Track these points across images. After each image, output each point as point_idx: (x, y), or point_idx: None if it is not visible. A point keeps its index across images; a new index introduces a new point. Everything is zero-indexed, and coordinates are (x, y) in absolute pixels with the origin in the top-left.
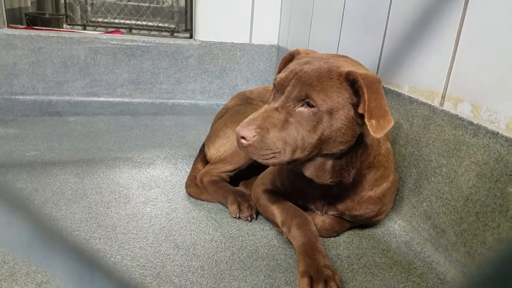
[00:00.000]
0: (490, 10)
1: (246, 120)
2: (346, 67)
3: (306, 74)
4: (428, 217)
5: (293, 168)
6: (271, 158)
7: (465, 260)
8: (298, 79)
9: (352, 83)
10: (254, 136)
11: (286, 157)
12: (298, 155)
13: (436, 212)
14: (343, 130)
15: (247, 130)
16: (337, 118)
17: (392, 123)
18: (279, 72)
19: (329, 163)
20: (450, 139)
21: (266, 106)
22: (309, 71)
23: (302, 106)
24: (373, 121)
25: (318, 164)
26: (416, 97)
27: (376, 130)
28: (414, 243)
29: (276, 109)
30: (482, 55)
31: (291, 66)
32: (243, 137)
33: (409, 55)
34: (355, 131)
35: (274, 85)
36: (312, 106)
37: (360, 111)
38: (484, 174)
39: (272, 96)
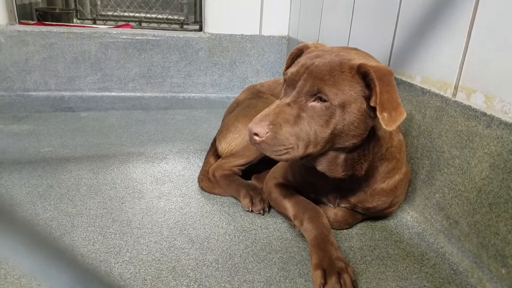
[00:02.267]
0: (504, 0)
1: (258, 116)
2: (358, 60)
3: (317, 68)
4: (441, 208)
5: (306, 163)
6: (284, 154)
7: (478, 251)
8: (310, 74)
9: (364, 75)
10: (267, 133)
11: (299, 152)
12: (311, 150)
13: (449, 203)
14: (355, 124)
15: (260, 127)
16: (349, 111)
17: (405, 115)
18: (286, 67)
19: (342, 156)
20: (463, 130)
21: (278, 102)
22: (320, 65)
23: (314, 100)
24: (385, 114)
25: (330, 158)
26: (428, 88)
27: (388, 123)
28: (427, 234)
29: (288, 104)
30: (496, 45)
31: (302, 60)
32: (256, 134)
33: (421, 46)
34: (367, 124)
35: (284, 80)
36: (324, 101)
37: (372, 104)
38: (498, 165)
39: (283, 91)
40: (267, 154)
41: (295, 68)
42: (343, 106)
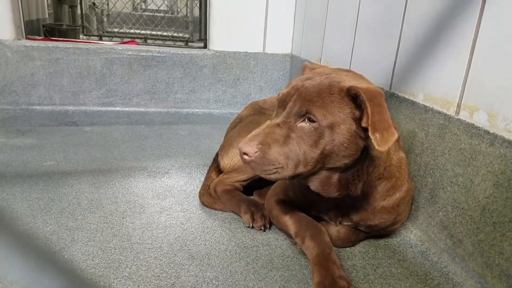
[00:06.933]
0: (506, 18)
1: (248, 136)
2: (348, 82)
3: (307, 90)
4: (444, 227)
5: (300, 182)
6: (274, 173)
7: (482, 270)
8: (299, 95)
9: (354, 97)
10: (256, 152)
11: (289, 172)
12: (301, 169)
13: (452, 222)
14: (345, 144)
15: (249, 147)
16: (338, 132)
17: (396, 135)
18: None
19: (335, 176)
20: (466, 148)
21: (268, 122)
22: (309, 86)
23: (303, 121)
24: (377, 135)
25: (323, 178)
26: (431, 106)
27: (380, 143)
28: (431, 253)
29: (278, 124)
30: (498, 63)
31: (294, 82)
32: (245, 153)
33: (423, 64)
34: (358, 145)
35: (277, 100)
36: (313, 121)
37: (363, 124)
38: (501, 183)
39: (275, 112)
40: (257, 173)
41: (287, 90)
42: (331, 127)
